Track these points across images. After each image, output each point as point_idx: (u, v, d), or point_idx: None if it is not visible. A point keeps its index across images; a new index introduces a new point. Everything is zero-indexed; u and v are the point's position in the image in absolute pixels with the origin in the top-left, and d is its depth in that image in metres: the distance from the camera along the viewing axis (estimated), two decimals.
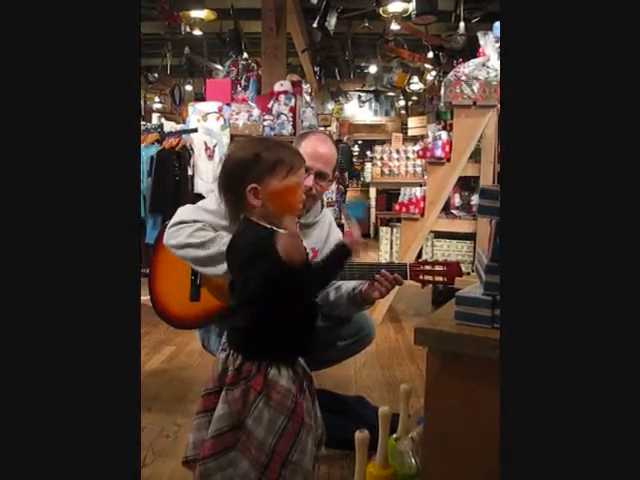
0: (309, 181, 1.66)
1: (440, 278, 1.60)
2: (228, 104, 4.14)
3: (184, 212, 1.65)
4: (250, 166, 1.12)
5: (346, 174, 8.95)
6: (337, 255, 1.17)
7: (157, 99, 10.12)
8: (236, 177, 1.13)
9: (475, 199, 3.37)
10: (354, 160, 10.12)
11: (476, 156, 3.32)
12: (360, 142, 11.19)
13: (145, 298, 1.55)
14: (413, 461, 1.34)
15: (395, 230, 3.76)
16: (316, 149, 1.68)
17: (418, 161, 5.58)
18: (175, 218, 1.63)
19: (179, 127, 4.13)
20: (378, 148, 6.24)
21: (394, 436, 1.42)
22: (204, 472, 1.07)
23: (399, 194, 3.58)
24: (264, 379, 1.08)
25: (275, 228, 1.11)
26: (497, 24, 3.25)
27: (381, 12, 5.74)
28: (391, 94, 10.74)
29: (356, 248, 1.17)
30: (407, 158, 6.01)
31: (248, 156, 1.13)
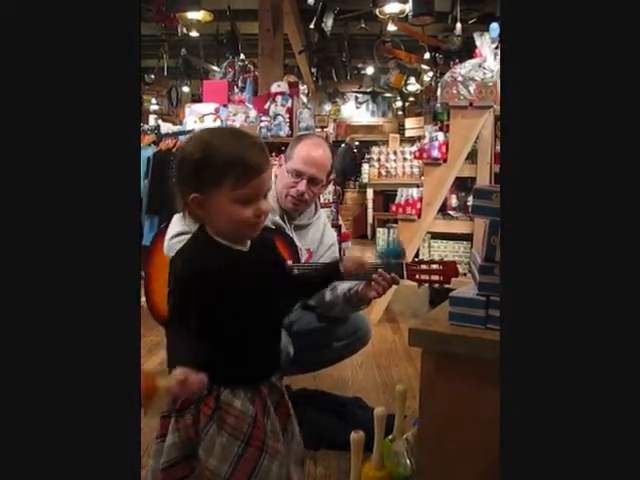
0: (302, 186, 1.66)
1: (437, 277, 1.60)
2: (225, 105, 4.14)
3: (181, 220, 1.56)
4: (195, 169, 0.94)
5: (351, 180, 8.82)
6: (326, 277, 1.22)
7: (154, 100, 10.12)
8: (180, 179, 0.97)
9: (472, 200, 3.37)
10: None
11: (473, 157, 3.32)
12: (357, 143, 11.20)
13: (141, 300, 1.54)
14: (408, 462, 1.34)
15: (392, 231, 3.77)
16: (310, 154, 1.67)
17: (415, 162, 5.57)
18: (174, 228, 1.56)
19: (176, 128, 4.12)
20: (375, 149, 6.25)
21: (389, 437, 1.43)
22: None
23: (396, 195, 3.59)
24: (215, 402, 0.96)
25: (229, 244, 0.98)
26: (493, 25, 3.26)
27: (378, 13, 5.73)
28: (388, 95, 10.75)
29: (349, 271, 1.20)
30: (404, 159, 6.01)
31: (195, 155, 0.94)
